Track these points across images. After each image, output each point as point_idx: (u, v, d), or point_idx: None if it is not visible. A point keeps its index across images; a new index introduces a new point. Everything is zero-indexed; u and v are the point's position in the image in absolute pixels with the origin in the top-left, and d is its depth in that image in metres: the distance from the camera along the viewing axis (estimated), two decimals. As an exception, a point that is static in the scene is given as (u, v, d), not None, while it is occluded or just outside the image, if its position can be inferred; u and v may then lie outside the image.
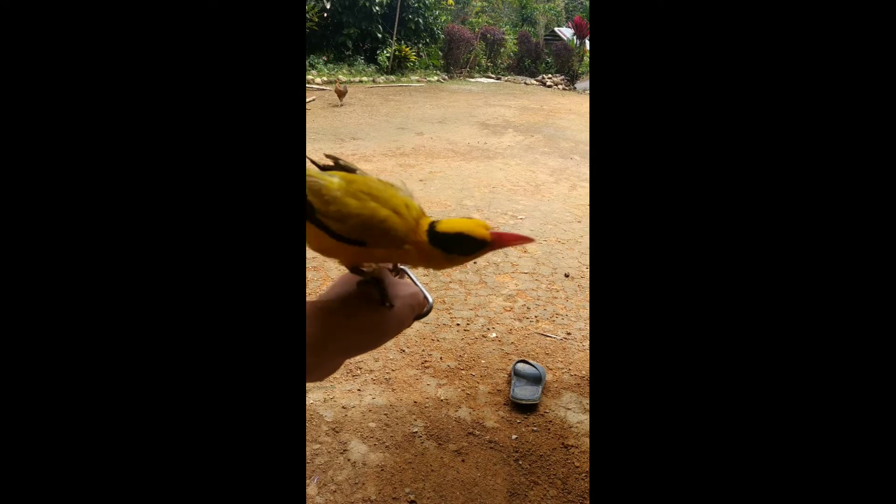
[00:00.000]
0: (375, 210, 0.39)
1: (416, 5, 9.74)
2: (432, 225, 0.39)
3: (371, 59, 9.42)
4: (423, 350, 1.90)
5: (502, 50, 11.48)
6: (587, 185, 3.96)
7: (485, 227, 0.39)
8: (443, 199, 3.41)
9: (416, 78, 9.46)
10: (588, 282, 2.47)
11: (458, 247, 0.39)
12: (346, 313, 0.39)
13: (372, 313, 0.39)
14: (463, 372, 1.80)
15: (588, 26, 11.28)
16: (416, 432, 1.53)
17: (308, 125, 5.12)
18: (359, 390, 1.67)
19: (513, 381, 1.70)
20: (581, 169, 4.39)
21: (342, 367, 1.76)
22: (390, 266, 0.44)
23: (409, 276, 0.44)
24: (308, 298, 0.36)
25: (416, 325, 2.03)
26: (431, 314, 2.11)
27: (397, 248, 0.39)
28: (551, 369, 1.83)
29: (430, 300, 0.43)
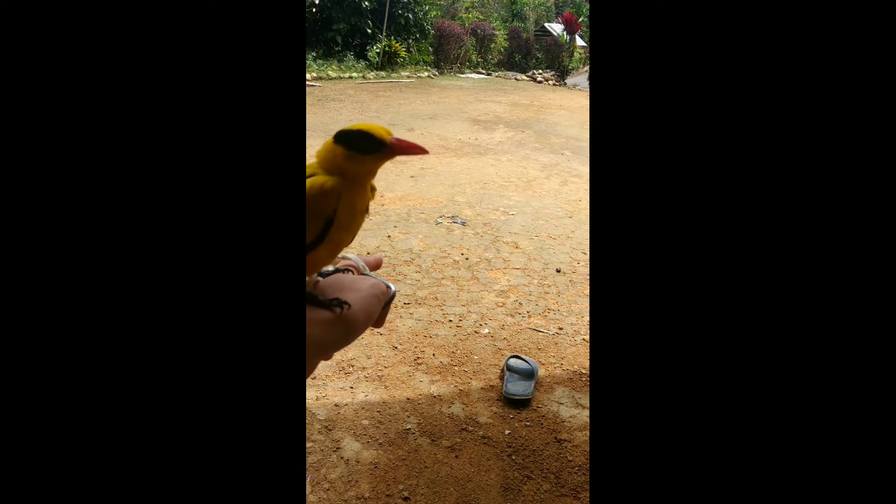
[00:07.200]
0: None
1: (405, 1, 9.70)
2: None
3: (361, 54, 9.37)
4: (416, 347, 1.90)
5: (492, 45, 11.48)
6: (578, 180, 3.98)
7: (388, 132, 0.39)
8: (434, 196, 3.40)
9: (407, 74, 9.43)
10: (580, 276, 2.48)
11: (360, 143, 0.39)
12: (310, 309, 0.39)
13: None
14: (455, 368, 1.80)
15: (577, 21, 11.31)
16: (410, 429, 1.53)
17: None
18: (351, 388, 1.67)
19: (505, 377, 1.71)
20: (572, 164, 4.40)
21: (335, 365, 1.76)
22: (347, 266, 0.45)
23: (366, 273, 0.45)
24: None
25: (409, 321, 2.04)
26: (424, 311, 2.12)
27: (342, 193, 0.39)
28: (544, 364, 1.84)
29: (392, 287, 0.45)
